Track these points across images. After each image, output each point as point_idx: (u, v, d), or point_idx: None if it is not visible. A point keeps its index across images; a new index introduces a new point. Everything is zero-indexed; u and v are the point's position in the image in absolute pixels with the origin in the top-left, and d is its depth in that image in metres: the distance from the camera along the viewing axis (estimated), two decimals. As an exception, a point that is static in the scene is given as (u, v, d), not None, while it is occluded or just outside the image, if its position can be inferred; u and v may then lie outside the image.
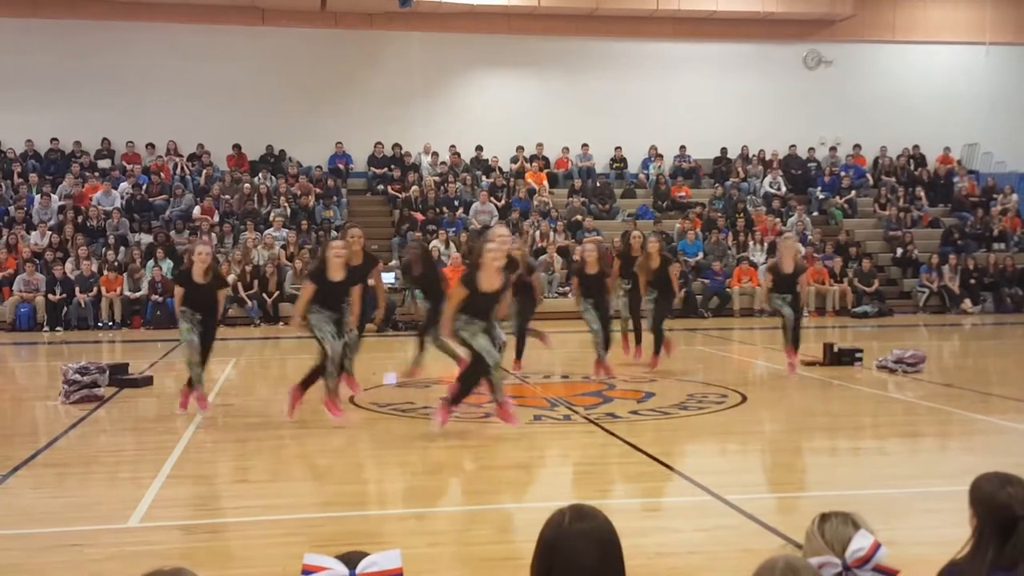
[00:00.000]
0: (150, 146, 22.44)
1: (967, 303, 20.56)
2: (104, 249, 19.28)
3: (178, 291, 9.00)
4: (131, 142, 22.45)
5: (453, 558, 5.00)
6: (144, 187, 21.34)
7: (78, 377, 9.65)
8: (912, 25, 25.04)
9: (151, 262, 18.93)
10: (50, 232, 19.72)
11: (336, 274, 8.44)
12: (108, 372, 10.13)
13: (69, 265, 18.72)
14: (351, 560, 2.05)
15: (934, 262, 20.89)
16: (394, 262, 18.40)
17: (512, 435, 8.10)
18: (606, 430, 8.11)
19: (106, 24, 22.05)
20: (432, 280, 10.41)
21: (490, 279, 7.93)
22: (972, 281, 20.94)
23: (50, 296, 18.09)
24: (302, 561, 2.02)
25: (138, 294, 18.45)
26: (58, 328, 17.89)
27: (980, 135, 25.14)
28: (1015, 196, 23.82)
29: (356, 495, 6.40)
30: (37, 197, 20.57)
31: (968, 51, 25.37)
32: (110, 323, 18.17)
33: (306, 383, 8.70)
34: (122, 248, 19.56)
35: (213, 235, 20.26)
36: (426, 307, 10.31)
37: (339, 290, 8.50)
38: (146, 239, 19.97)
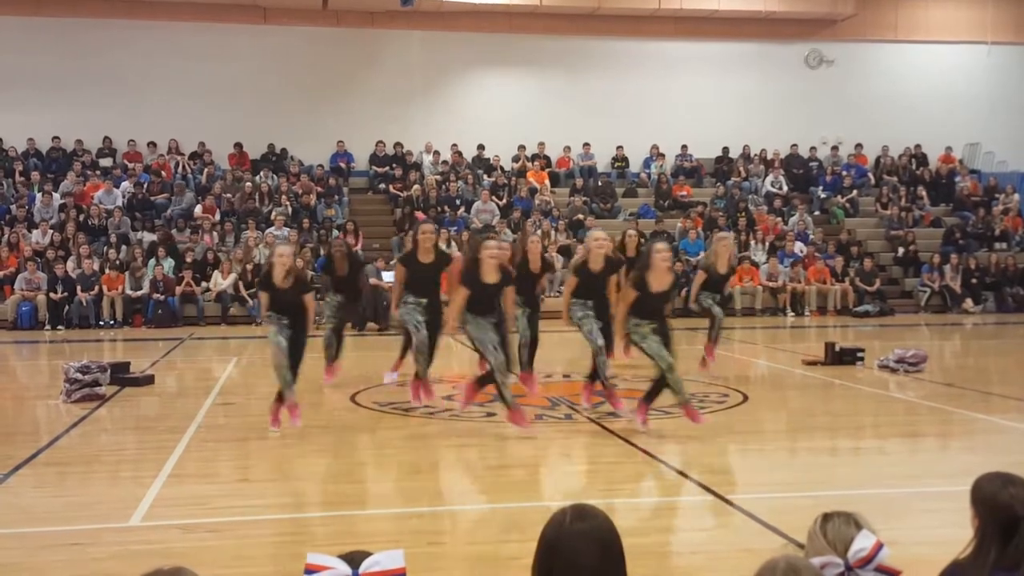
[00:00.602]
0: (152, 144, 22.45)
1: (969, 303, 20.55)
2: (106, 248, 19.29)
3: (263, 297, 8.43)
4: (133, 140, 22.46)
5: (455, 558, 4.99)
6: (146, 186, 21.34)
7: (79, 376, 9.65)
8: (914, 25, 25.03)
9: (153, 261, 18.93)
10: (51, 231, 19.73)
11: (490, 277, 8.07)
12: (109, 371, 10.13)
13: (71, 264, 18.73)
14: (354, 560, 2.05)
15: (936, 261, 20.88)
16: (395, 261, 18.37)
17: (513, 435, 8.09)
18: (608, 429, 8.11)
19: (108, 22, 22.06)
20: (354, 281, 10.81)
21: (491, 275, 8.00)
22: (974, 281, 20.92)
23: (51, 295, 18.09)
24: (306, 560, 2.02)
25: (140, 293, 18.45)
26: (59, 327, 17.90)
27: (982, 135, 25.12)
28: (1017, 196, 23.81)
29: (357, 494, 6.40)
30: (39, 195, 20.58)
31: (970, 51, 25.36)
32: (111, 322, 18.17)
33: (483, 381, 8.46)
34: (124, 247, 19.57)
35: (214, 233, 20.30)
36: (338, 302, 10.62)
37: (492, 292, 8.25)
38: (148, 238, 19.98)
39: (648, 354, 7.84)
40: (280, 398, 8.17)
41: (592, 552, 2.17)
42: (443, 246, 19.03)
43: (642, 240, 12.00)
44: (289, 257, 8.23)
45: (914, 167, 24.72)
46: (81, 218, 20.15)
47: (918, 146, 25.02)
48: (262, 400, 10.40)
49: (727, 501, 5.88)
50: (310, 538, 5.28)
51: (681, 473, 6.79)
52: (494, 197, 21.94)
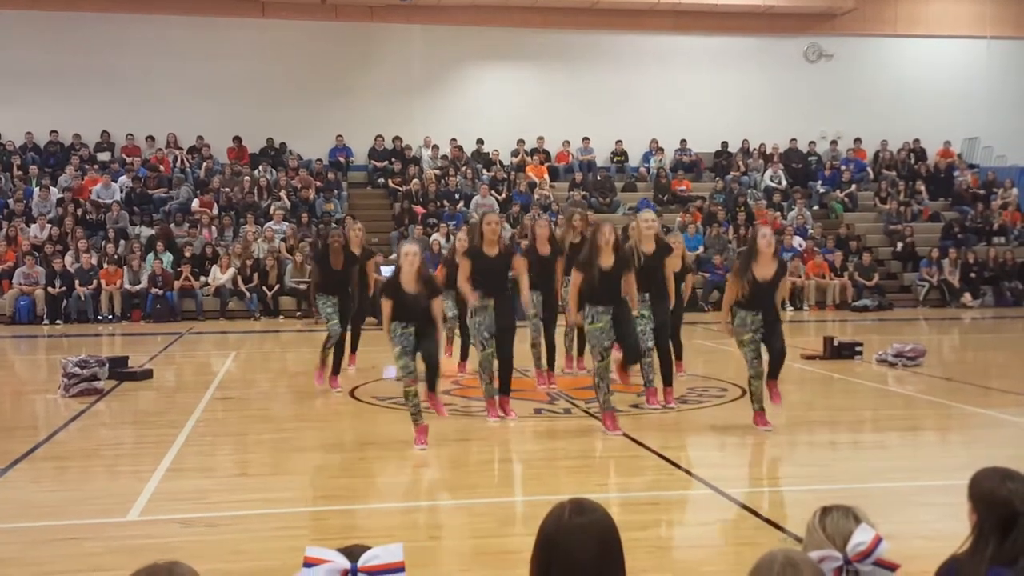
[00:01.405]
0: (150, 139, 22.42)
1: (967, 297, 20.55)
2: (104, 242, 19.27)
3: (386, 306, 7.23)
4: (131, 135, 22.43)
5: (454, 552, 5.00)
6: (144, 180, 21.32)
7: (78, 370, 9.64)
8: (913, 19, 25.00)
9: (151, 255, 18.92)
10: (50, 225, 19.70)
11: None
12: (108, 365, 10.12)
13: (69, 258, 18.71)
14: (353, 553, 2.05)
15: (934, 256, 20.88)
16: (394, 255, 18.37)
17: (512, 429, 8.10)
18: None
19: (106, 16, 22.02)
20: (346, 277, 9.94)
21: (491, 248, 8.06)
22: (972, 275, 20.93)
23: (49, 289, 18.07)
24: (304, 553, 2.02)
25: (138, 287, 18.44)
26: (58, 321, 17.89)
27: (981, 129, 25.11)
28: (1015, 190, 23.80)
29: (356, 489, 6.39)
30: (36, 190, 20.55)
31: (969, 45, 25.33)
32: (110, 316, 18.16)
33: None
34: (122, 241, 19.55)
35: (213, 228, 20.28)
36: (332, 304, 9.86)
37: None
38: (146, 232, 19.96)
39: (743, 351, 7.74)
40: (416, 420, 7.27)
41: (591, 547, 2.17)
42: (443, 240, 19.10)
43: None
44: (416, 256, 7.19)
45: (913, 161, 24.71)
46: (79, 212, 20.13)
47: (917, 140, 25.01)
48: (262, 394, 10.42)
49: (726, 495, 5.89)
50: (308, 532, 5.28)
51: (680, 467, 6.79)
52: (493, 192, 21.92)
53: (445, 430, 8.01)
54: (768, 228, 7.89)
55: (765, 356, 7.81)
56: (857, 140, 24.63)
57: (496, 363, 8.18)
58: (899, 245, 21.77)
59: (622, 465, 6.93)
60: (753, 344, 7.67)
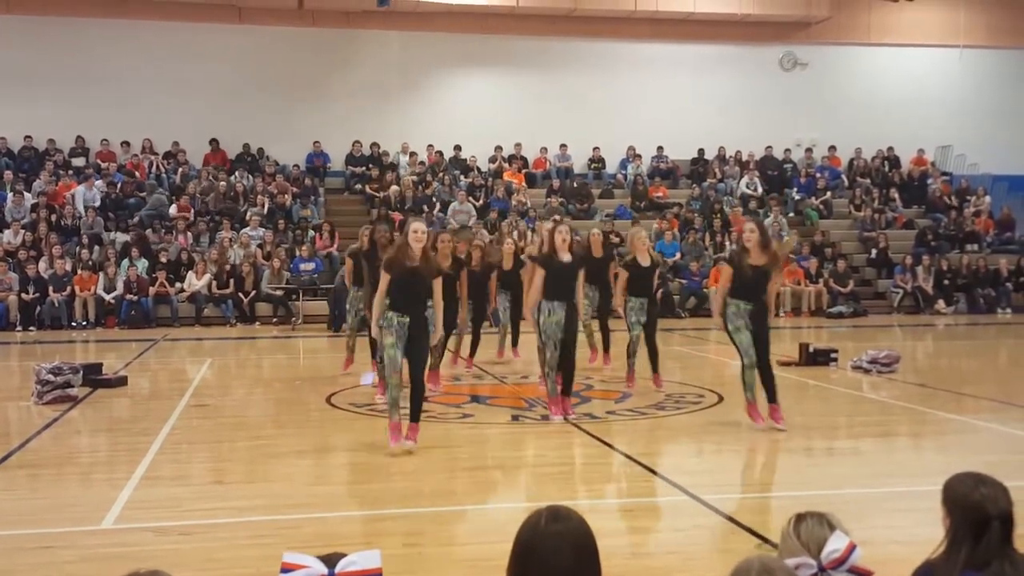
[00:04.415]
0: (125, 144, 22.26)
1: (940, 304, 20.75)
2: (78, 248, 19.11)
3: (384, 280, 7.21)
4: (106, 140, 22.27)
5: (430, 559, 4.98)
6: (119, 185, 21.16)
7: (51, 377, 9.55)
8: (887, 28, 25.26)
9: (126, 261, 18.77)
10: (23, 230, 19.51)
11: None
12: (82, 372, 10.03)
13: (43, 264, 18.54)
14: (331, 559, 2.04)
15: (908, 263, 21.07)
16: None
17: (489, 436, 8.10)
18: (583, 430, 8.12)
19: (81, 20, 21.87)
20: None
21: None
22: (945, 282, 21.14)
23: (23, 295, 17.90)
24: (282, 559, 2.01)
25: (113, 294, 18.29)
26: (31, 327, 17.71)
27: (954, 137, 25.39)
28: (988, 198, 24.09)
29: (332, 496, 6.37)
30: (10, 195, 20.35)
31: (942, 54, 25.63)
32: (84, 323, 18.00)
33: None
34: (96, 247, 19.39)
35: (188, 234, 20.15)
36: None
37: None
38: (121, 238, 19.80)
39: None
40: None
41: (567, 553, 2.17)
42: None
43: (609, 238, 11.96)
44: (424, 234, 7.29)
45: (887, 169, 24.95)
46: (53, 218, 19.95)
47: (891, 148, 25.25)
48: (237, 402, 10.36)
49: (702, 501, 5.91)
50: (285, 540, 5.24)
51: (656, 473, 6.81)
52: (471, 198, 21.92)
53: (422, 436, 8.00)
54: (753, 223, 8.19)
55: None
56: (832, 148, 24.84)
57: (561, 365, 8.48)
58: (873, 252, 21.96)
59: (599, 471, 6.94)
60: (746, 333, 7.94)
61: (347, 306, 11.26)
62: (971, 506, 2.62)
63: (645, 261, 9.82)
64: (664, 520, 5.91)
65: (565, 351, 8.36)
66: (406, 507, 6.05)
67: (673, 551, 5.19)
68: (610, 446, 7.49)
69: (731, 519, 5.51)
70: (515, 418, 8.75)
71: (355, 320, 10.90)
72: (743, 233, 8.04)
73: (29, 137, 21.96)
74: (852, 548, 2.31)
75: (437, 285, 7.40)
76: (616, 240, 18.13)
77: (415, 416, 7.31)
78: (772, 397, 8.04)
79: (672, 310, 19.59)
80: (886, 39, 25.36)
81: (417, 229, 7.26)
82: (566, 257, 8.35)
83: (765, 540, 4.94)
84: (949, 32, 25.52)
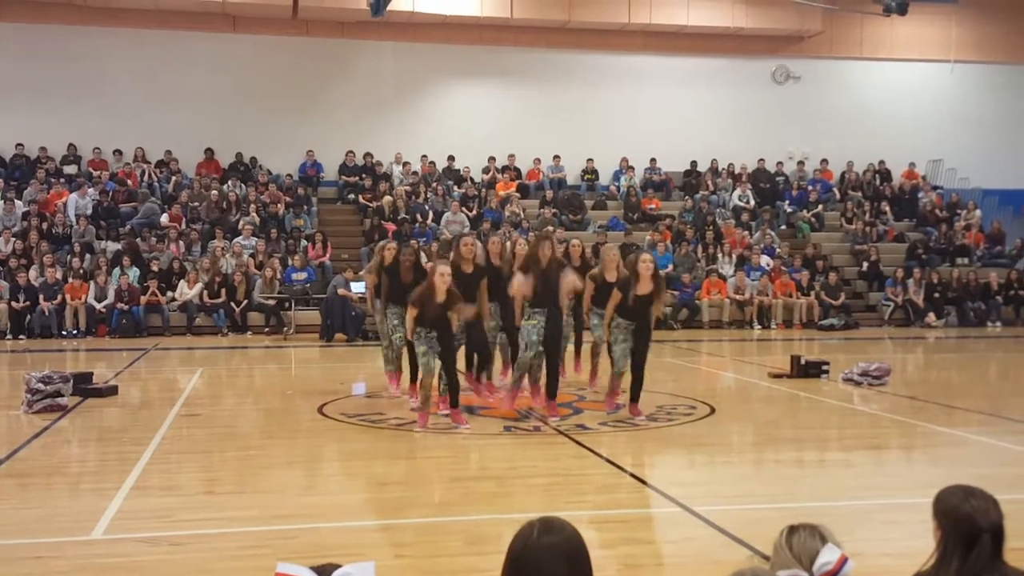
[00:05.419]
0: (117, 152, 22.24)
1: (931, 316, 20.82)
2: (69, 256, 19.05)
3: (412, 313, 8.51)
4: (98, 148, 22.24)
5: (421, 570, 4.97)
6: (111, 194, 21.12)
7: (41, 386, 9.51)
8: (879, 42, 25.40)
9: (117, 270, 18.72)
10: (14, 239, 19.46)
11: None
12: (72, 381, 9.99)
13: (33, 272, 18.48)
14: (325, 571, 2.04)
15: (899, 276, 21.14)
16: (364, 271, 18.28)
17: (481, 446, 8.09)
18: (576, 441, 8.12)
19: (75, 29, 21.86)
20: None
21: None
22: (936, 295, 21.21)
23: (13, 304, 17.83)
24: (275, 570, 2.01)
25: (104, 303, 18.23)
26: (21, 336, 17.64)
27: (945, 151, 25.53)
28: (978, 211, 24.20)
29: (323, 507, 6.35)
30: (1, 203, 20.29)
31: (934, 69, 25.77)
32: (74, 331, 17.94)
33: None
34: (88, 256, 19.33)
35: (180, 243, 20.11)
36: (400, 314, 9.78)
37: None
38: (113, 247, 19.75)
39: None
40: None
41: (560, 565, 2.17)
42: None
43: (587, 249, 11.71)
44: (448, 276, 8.41)
45: (878, 183, 25.05)
46: (44, 226, 19.90)
47: (882, 162, 25.36)
48: (228, 411, 10.33)
49: (694, 513, 5.91)
50: (275, 551, 5.22)
51: (648, 485, 6.81)
52: (464, 208, 21.94)
53: (413, 447, 7.99)
54: (649, 255, 9.18)
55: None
56: (824, 161, 24.94)
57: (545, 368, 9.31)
58: (864, 265, 22.03)
59: (591, 483, 6.94)
60: (623, 346, 8.94)
61: (378, 320, 10.57)
62: (961, 518, 2.63)
63: (611, 277, 9.61)
64: (656, 532, 5.91)
65: (548, 357, 9.09)
66: (398, 518, 6.04)
67: (665, 563, 5.19)
68: (602, 457, 7.49)
69: (723, 531, 5.51)
70: (507, 429, 8.75)
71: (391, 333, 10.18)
72: (639, 263, 8.85)
73: (21, 145, 21.91)
74: (844, 560, 2.31)
75: (455, 312, 8.51)
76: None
77: (455, 402, 8.70)
78: (635, 398, 9.12)
79: (664, 322, 19.63)
80: (878, 53, 25.50)
81: (444, 272, 8.37)
82: (612, 278, 9.33)
83: (757, 552, 4.95)
84: (940, 47, 25.68)
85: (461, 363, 10.23)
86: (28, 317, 17.88)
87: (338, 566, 2.06)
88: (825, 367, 12.21)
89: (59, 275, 18.39)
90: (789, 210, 23.82)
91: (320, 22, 22.87)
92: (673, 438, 8.54)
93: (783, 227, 23.43)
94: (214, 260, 19.25)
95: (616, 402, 9.28)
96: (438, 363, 8.55)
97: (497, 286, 9.46)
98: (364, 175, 22.71)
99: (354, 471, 7.42)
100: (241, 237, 20.22)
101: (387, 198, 21.70)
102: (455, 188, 22.86)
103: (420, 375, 8.76)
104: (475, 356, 9.96)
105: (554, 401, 9.18)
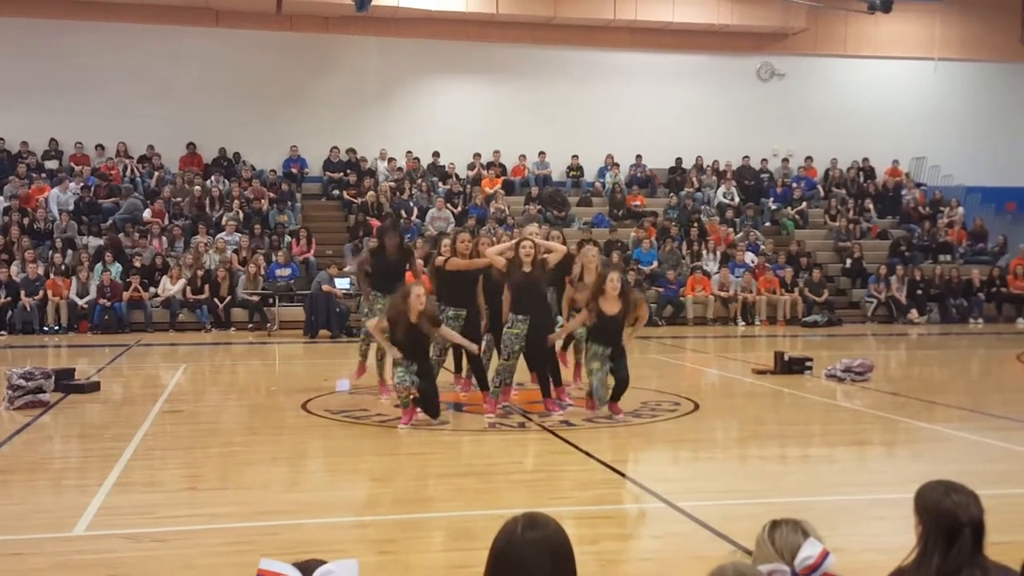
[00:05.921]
0: (99, 147, 22.09)
1: (914, 313, 20.93)
2: (51, 252, 18.92)
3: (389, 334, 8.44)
4: (80, 143, 22.08)
5: (405, 567, 4.96)
6: (93, 189, 20.99)
7: (22, 382, 9.44)
8: (863, 40, 25.51)
9: (99, 265, 18.61)
10: (-5, 234, 19.31)
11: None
12: (54, 377, 9.93)
13: (14, 268, 18.34)
14: (308, 568, 2.03)
15: (882, 273, 21.25)
16: (348, 267, 18.27)
17: (465, 442, 8.09)
18: (560, 438, 8.12)
19: (55, 23, 21.69)
20: (398, 271, 10.00)
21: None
22: (919, 292, 21.33)
23: (-6, 299, 17.70)
24: (258, 567, 2.00)
25: (86, 298, 18.12)
26: (2, 332, 17.52)
27: (928, 149, 25.67)
28: (961, 209, 24.35)
29: (307, 503, 6.33)
30: (-19, 198, 20.15)
31: (917, 66, 25.91)
32: (56, 327, 17.83)
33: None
34: (69, 251, 19.20)
35: (163, 238, 20.01)
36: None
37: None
38: (95, 242, 19.63)
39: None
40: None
41: (544, 561, 2.17)
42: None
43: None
44: (423, 298, 8.27)
45: (862, 180, 25.18)
46: (26, 221, 19.75)
47: (866, 159, 25.48)
48: (211, 408, 10.29)
49: (678, 508, 5.92)
50: (259, 547, 5.21)
51: (632, 480, 6.82)
52: (449, 205, 21.91)
53: (397, 444, 7.98)
54: (617, 274, 8.76)
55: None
56: (808, 158, 25.04)
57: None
58: (848, 262, 22.14)
59: (575, 479, 6.95)
60: (600, 373, 8.72)
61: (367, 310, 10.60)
62: (943, 513, 2.65)
63: (590, 279, 9.34)
64: (640, 527, 5.92)
65: (533, 367, 9.26)
66: (382, 514, 6.03)
67: (648, 558, 5.20)
68: (586, 453, 7.50)
69: (706, 526, 5.53)
70: (492, 425, 8.74)
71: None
72: (607, 281, 8.55)
73: (1, 139, 21.73)
74: (825, 555, 2.32)
75: (435, 334, 8.52)
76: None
77: (435, 413, 8.55)
78: (616, 397, 8.90)
79: (649, 319, 19.65)
80: (862, 51, 25.61)
81: (420, 294, 8.20)
82: (528, 268, 8.73)
83: (740, 547, 4.96)
84: (924, 45, 25.82)
85: (450, 363, 10.27)
86: (9, 313, 17.75)
87: (322, 562, 2.05)
88: (808, 363, 12.26)
89: (41, 271, 18.27)
90: (773, 207, 23.91)
91: (304, 17, 22.78)
92: (657, 434, 8.56)
93: (767, 224, 23.51)
94: (197, 256, 19.16)
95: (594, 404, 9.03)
96: (415, 379, 8.36)
97: (487, 286, 9.37)
98: (348, 171, 22.65)
99: (338, 467, 7.41)
100: (224, 233, 20.14)
101: (371, 194, 21.65)
102: (440, 184, 22.82)
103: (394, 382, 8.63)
104: (463, 357, 9.95)
105: (550, 399, 9.13)
